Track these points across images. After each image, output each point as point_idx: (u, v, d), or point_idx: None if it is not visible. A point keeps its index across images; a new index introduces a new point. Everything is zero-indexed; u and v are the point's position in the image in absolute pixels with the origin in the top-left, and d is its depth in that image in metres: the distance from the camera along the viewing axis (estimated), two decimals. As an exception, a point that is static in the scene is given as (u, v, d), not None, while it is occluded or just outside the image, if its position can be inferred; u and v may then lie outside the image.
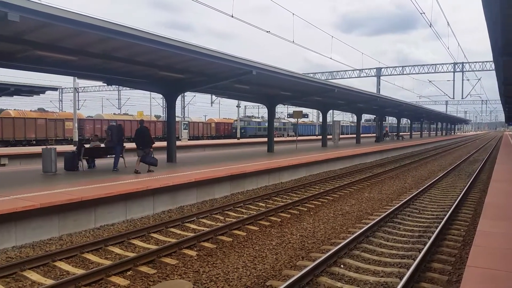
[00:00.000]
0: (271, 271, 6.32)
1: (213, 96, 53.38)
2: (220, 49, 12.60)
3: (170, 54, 11.61)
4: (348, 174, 18.22)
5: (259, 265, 6.55)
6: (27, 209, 7.47)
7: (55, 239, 7.84)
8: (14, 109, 38.63)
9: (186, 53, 11.33)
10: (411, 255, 6.97)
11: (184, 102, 60.16)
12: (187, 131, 41.44)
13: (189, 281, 5.82)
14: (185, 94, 51.98)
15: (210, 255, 7.06)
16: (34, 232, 7.65)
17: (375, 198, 12.66)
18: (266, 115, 60.50)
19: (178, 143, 19.21)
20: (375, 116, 45.92)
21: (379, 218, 9.15)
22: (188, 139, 39.79)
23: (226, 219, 9.64)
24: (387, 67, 46.53)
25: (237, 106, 49.97)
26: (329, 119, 41.54)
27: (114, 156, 13.70)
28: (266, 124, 54.92)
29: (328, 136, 32.20)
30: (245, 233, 8.37)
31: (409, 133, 62.44)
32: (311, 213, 10.49)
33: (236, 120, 54.94)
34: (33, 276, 5.96)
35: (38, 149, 20.66)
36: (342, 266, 6.50)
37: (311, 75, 41.60)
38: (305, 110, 48.06)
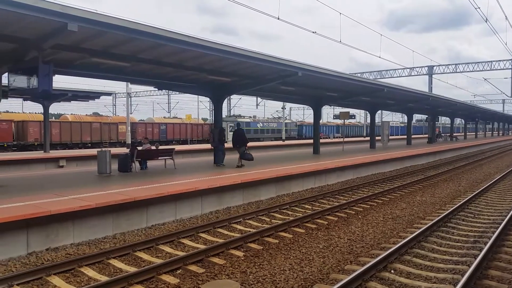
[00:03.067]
0: (318, 274, 6.26)
1: (259, 98, 53.63)
2: (265, 52, 12.70)
3: (218, 58, 11.85)
4: (399, 177, 17.66)
5: (306, 268, 6.51)
6: (84, 209, 7.88)
7: (109, 237, 8.21)
8: (71, 114, 40.88)
9: (233, 56, 11.51)
10: (466, 261, 6.64)
11: (230, 104, 61.05)
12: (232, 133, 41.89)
13: (236, 281, 5.88)
14: (231, 96, 52.35)
15: (257, 256, 7.11)
16: (90, 230, 8.06)
17: (427, 202, 12.19)
18: (259, 114, 55.65)
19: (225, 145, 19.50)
20: (427, 116, 44.17)
21: (431, 222, 8.80)
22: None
23: (272, 220, 9.66)
24: (439, 65, 44.72)
25: (282, 108, 49.97)
26: (377, 119, 40.43)
27: (215, 154, 16.02)
28: (258, 124, 50.50)
29: (377, 138, 31.42)
30: (291, 235, 8.35)
31: (463, 134, 59.53)
32: (360, 216, 10.27)
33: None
34: (90, 272, 6.28)
35: (93, 151, 21.76)
36: (392, 271, 6.31)
37: (358, 74, 40.80)
38: (352, 111, 47.08)
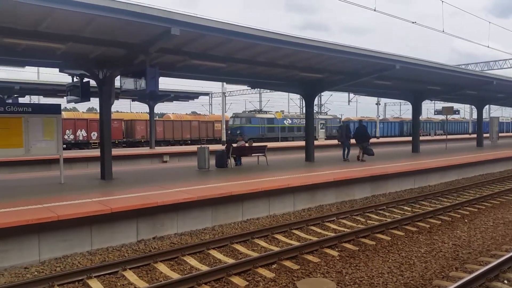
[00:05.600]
0: (420, 280, 5.90)
1: (351, 95, 52.13)
2: (358, 45, 12.31)
3: (310, 55, 11.79)
4: (510, 178, 15.91)
5: (406, 273, 6.18)
6: (187, 201, 8.41)
7: (209, 229, 8.65)
8: (173, 113, 43.78)
9: (324, 52, 11.35)
10: None
11: (321, 101, 60.26)
12: (324, 130, 41.38)
13: (332, 280, 5.80)
14: (322, 93, 51.23)
15: (353, 257, 6.93)
16: (192, 221, 8.58)
17: (547, 207, 10.81)
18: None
19: (315, 142, 19.38)
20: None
21: (554, 230, 7.78)
22: (325, 139, 39.69)
23: (368, 221, 9.34)
24: (562, 52, 39.09)
25: (376, 104, 48.06)
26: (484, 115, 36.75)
27: (344, 149, 17.04)
28: (286, 121, 41.54)
29: (485, 135, 28.69)
30: (390, 238, 7.98)
31: None
32: (466, 220, 9.46)
33: (232, 118, 41.51)
34: (192, 261, 6.67)
35: (193, 148, 23.07)
36: (505, 281, 5.71)
37: (463, 66, 37.55)
38: (455, 105, 43.34)
